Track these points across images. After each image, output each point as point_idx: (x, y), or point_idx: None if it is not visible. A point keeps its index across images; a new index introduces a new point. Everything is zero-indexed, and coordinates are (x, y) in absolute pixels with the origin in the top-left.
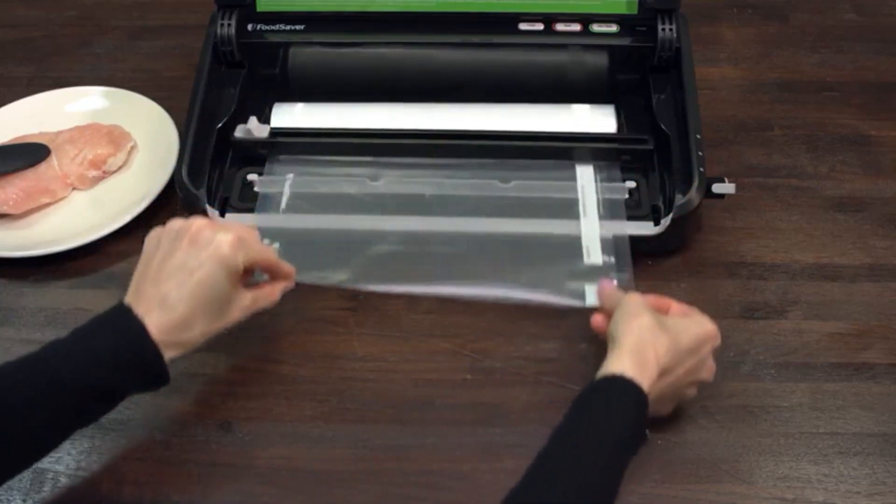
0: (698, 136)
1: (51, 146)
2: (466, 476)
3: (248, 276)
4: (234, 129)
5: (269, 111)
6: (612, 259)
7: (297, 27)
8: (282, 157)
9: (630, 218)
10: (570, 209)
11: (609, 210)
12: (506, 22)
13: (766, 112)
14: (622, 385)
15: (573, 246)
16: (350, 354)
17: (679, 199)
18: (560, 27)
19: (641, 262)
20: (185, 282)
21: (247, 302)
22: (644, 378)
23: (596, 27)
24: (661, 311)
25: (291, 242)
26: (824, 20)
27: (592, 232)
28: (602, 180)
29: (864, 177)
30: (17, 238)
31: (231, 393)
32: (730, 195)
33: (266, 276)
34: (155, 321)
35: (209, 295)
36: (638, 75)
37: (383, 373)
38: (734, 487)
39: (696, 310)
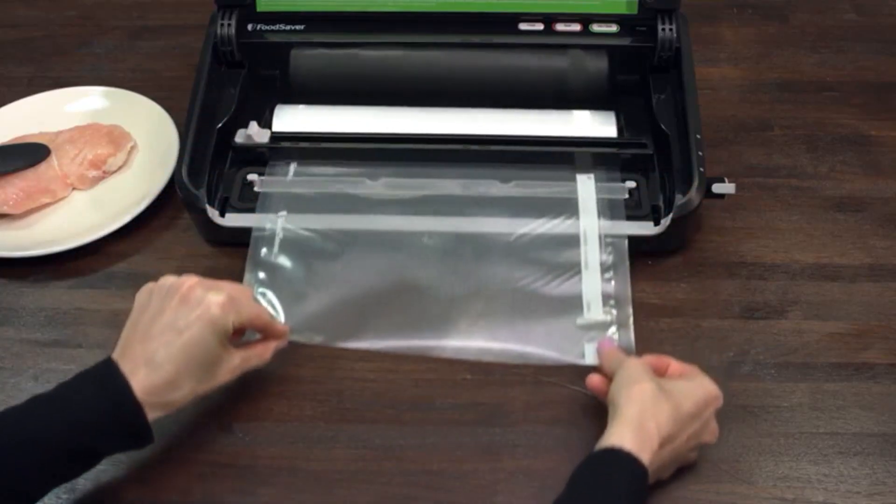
0: (698, 136)
1: (51, 146)
2: (466, 476)
3: (240, 335)
4: (234, 129)
5: (270, 112)
6: (613, 312)
7: (297, 27)
8: (282, 158)
9: (630, 218)
10: (569, 209)
11: (609, 211)
12: (506, 22)
13: (766, 112)
14: (622, 459)
15: (573, 299)
16: (350, 354)
17: (679, 199)
18: (560, 27)
19: (641, 262)
20: (173, 342)
21: (236, 362)
22: (644, 451)
23: (596, 27)
24: (661, 371)
25: (285, 295)
26: (824, 20)
27: (594, 284)
28: (601, 181)
29: (864, 177)
30: (17, 238)
31: (231, 393)
32: (730, 195)
33: (258, 335)
34: (140, 381)
35: (197, 356)
36: (638, 75)
37: (383, 373)
38: (734, 487)
39: (695, 368)
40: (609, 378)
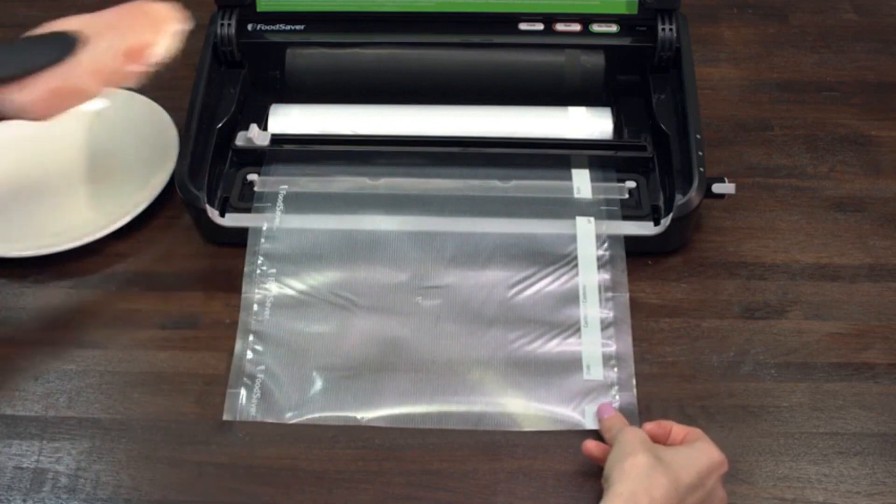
0: (698, 136)
1: (79, 37)
2: (466, 476)
3: None
4: (234, 129)
5: (268, 112)
6: (615, 373)
7: (297, 27)
8: (282, 160)
9: (630, 218)
10: (568, 209)
11: (607, 211)
12: (506, 22)
13: (766, 112)
14: None
15: (573, 360)
16: None
17: (679, 199)
18: (560, 27)
19: (641, 262)
20: None
21: None
22: None
23: (596, 27)
24: (661, 438)
25: (280, 373)
26: (824, 20)
27: (594, 344)
28: (600, 180)
29: (864, 177)
30: (17, 238)
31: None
32: (730, 195)
33: None
34: None
35: None
36: (638, 75)
37: None
38: (734, 487)
39: (698, 431)
40: (609, 445)
